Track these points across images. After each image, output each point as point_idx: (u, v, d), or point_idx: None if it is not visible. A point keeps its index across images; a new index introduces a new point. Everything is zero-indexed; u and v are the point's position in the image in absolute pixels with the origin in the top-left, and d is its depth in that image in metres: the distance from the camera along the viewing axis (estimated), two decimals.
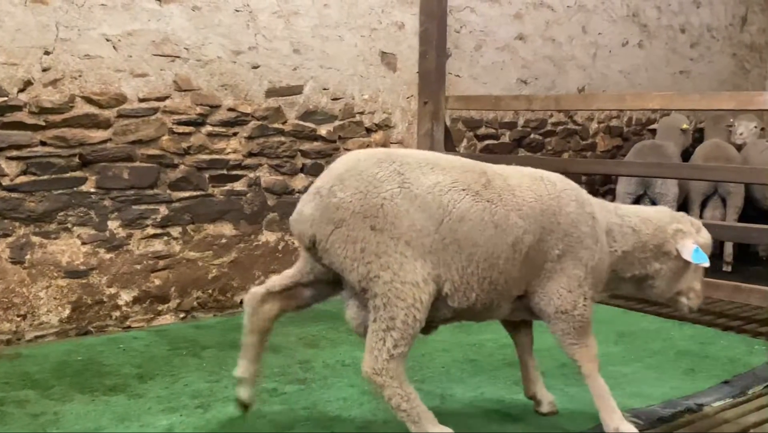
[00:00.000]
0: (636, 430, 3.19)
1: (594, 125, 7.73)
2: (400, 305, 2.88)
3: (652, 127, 8.08)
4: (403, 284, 2.88)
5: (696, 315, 5.23)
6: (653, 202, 7.02)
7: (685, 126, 7.52)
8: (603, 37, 7.67)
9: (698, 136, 8.27)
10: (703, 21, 8.91)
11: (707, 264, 3.31)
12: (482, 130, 6.74)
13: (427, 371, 3.99)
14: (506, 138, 6.93)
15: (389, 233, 2.88)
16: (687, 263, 3.31)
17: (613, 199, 7.53)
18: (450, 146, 6.17)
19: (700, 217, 7.39)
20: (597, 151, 7.75)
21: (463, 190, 3.00)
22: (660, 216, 3.39)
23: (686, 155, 7.71)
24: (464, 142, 6.60)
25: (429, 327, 3.16)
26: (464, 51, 6.53)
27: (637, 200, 7.10)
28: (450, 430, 3.01)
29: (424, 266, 2.91)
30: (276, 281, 3.26)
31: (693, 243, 3.29)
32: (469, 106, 6.43)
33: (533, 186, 3.16)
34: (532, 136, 7.14)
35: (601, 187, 7.87)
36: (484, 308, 3.13)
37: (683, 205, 7.40)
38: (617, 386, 3.83)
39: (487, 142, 6.78)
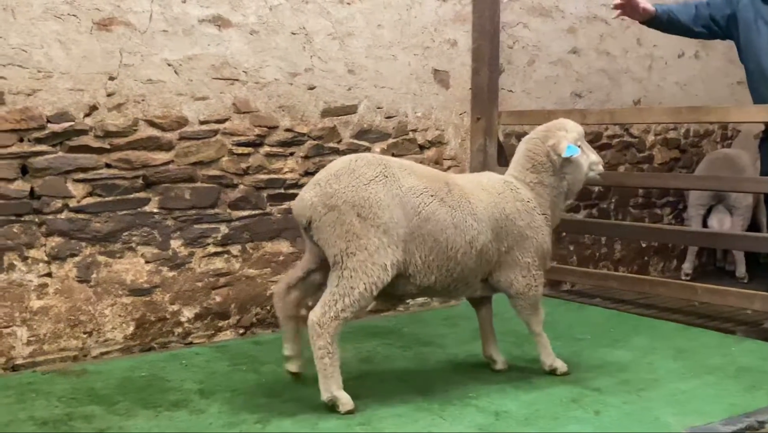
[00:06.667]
0: (565, 366, 4.18)
1: (651, 137, 7.65)
2: (364, 279, 3.54)
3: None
4: (373, 265, 3.55)
5: (758, 330, 5.17)
6: (730, 213, 6.96)
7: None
8: (658, 48, 7.59)
9: None
10: None
11: (577, 152, 4.05)
12: None
13: (482, 388, 4.00)
14: None
15: (371, 221, 3.55)
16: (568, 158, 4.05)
17: (684, 210, 7.45)
18: (503, 161, 6.17)
19: None
20: (654, 163, 7.66)
21: (432, 195, 3.73)
22: (518, 163, 4.18)
23: None
24: None
25: (400, 298, 4.10)
26: (517, 66, 6.55)
27: (709, 211, 7.06)
28: (349, 400, 3.62)
29: (394, 253, 3.59)
30: (292, 274, 3.93)
31: (566, 142, 4.02)
32: (522, 121, 6.43)
33: (482, 195, 3.93)
34: None
35: (659, 199, 7.78)
36: (444, 289, 3.90)
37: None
38: (675, 403, 3.80)
39: None
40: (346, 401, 3.62)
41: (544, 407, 3.74)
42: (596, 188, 7.16)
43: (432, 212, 3.70)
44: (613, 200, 7.35)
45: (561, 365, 4.20)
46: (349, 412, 3.59)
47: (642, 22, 4.58)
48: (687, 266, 7.34)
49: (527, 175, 4.10)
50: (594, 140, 7.12)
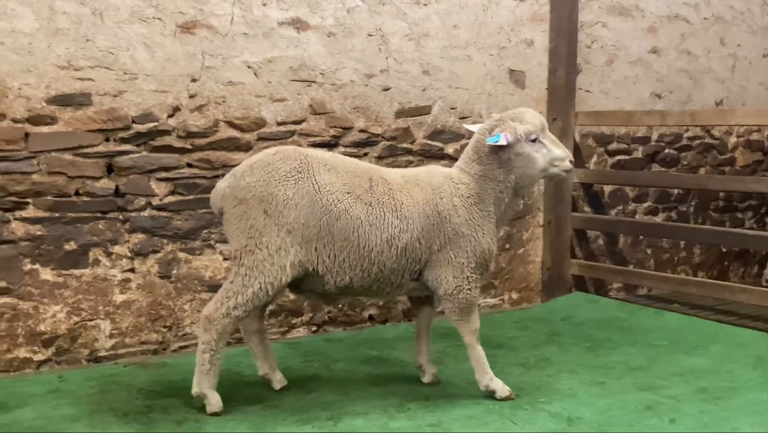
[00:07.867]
0: (506, 390, 3.82)
1: (733, 139, 7.44)
2: (260, 278, 3.52)
3: None
4: (272, 265, 3.52)
5: None
6: None
7: None
8: (742, 48, 7.38)
9: None
10: None
11: (503, 141, 3.67)
12: (613, 146, 6.63)
13: (554, 392, 3.98)
14: (639, 153, 6.78)
15: (276, 219, 3.51)
16: (508, 148, 3.73)
17: (767, 214, 7.24)
18: (578, 163, 6.11)
19: None
20: (736, 166, 7.46)
21: (347, 193, 3.61)
22: (466, 154, 3.91)
23: None
24: (594, 158, 6.52)
25: (327, 299, 3.93)
26: (595, 66, 6.46)
27: None
28: (218, 402, 3.61)
29: (297, 253, 3.55)
30: None
31: (497, 130, 3.74)
32: (600, 121, 6.35)
33: (413, 191, 3.73)
34: (666, 151, 6.96)
35: (740, 203, 7.57)
36: (366, 289, 3.76)
37: None
38: (754, 413, 3.71)
39: (618, 157, 6.66)
40: (215, 402, 3.63)
41: (618, 414, 3.70)
42: (675, 191, 7.01)
43: (344, 210, 3.58)
44: (692, 203, 7.18)
45: (501, 388, 3.84)
46: (215, 414, 3.61)
47: None
48: None
49: (473, 167, 3.82)
50: (674, 141, 6.98)
